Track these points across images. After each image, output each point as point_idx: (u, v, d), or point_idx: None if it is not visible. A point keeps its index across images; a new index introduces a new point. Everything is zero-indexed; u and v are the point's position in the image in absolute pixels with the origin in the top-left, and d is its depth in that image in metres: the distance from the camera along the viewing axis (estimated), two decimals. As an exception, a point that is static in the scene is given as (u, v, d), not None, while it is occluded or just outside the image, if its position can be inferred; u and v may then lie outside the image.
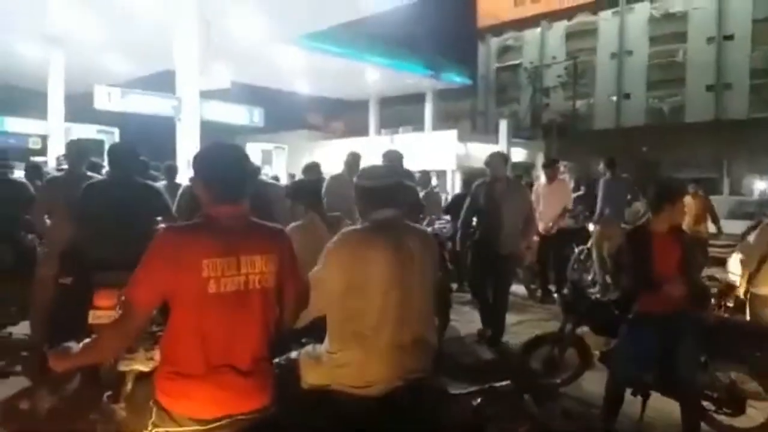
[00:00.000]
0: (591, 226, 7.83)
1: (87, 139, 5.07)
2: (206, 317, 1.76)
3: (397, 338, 2.24)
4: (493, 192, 5.40)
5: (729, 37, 26.99)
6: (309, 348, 2.45)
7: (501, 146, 18.85)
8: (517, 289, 7.49)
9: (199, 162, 1.94)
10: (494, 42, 33.61)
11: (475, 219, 5.65)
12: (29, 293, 4.37)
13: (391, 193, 2.38)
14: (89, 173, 4.51)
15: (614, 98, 29.94)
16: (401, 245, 2.29)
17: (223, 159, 1.93)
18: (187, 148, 11.40)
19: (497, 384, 2.09)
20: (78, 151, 4.49)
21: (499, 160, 5.64)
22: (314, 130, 22.13)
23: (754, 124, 23.80)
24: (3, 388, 3.90)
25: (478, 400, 2.03)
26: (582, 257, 7.83)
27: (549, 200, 7.45)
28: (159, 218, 3.90)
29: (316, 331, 2.59)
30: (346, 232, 2.36)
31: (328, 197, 4.29)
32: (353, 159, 5.95)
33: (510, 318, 6.19)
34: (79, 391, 1.93)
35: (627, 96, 29.80)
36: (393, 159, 5.55)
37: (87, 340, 1.83)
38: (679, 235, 3.50)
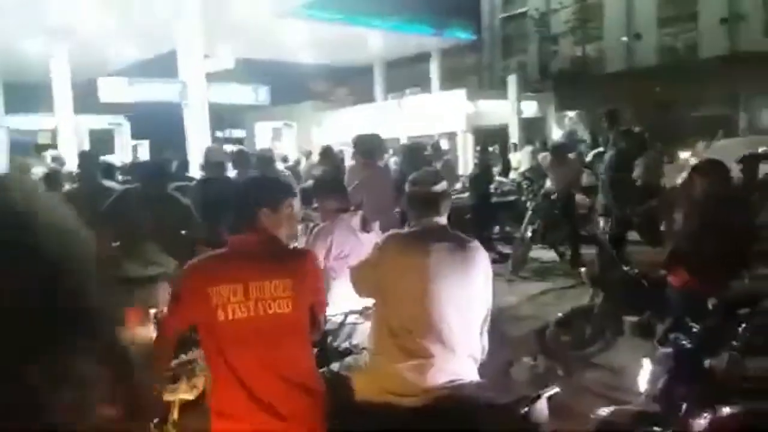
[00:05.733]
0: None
1: (91, 152, 5.05)
2: (226, 347, 1.78)
3: (432, 346, 2.24)
4: None
5: (741, -34, 25.89)
6: (350, 359, 2.49)
7: (510, 101, 18.52)
8: (544, 253, 7.45)
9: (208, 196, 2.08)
10: (498, -9, 32.63)
11: None
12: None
13: (437, 199, 2.40)
14: (105, 183, 4.54)
15: (625, 39, 29.05)
16: (442, 254, 2.30)
17: (235, 192, 2.12)
18: (196, 133, 11.33)
19: (545, 392, 2.07)
20: (91, 163, 4.53)
21: None
22: (320, 100, 21.82)
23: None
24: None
25: (525, 409, 2.02)
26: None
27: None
28: (183, 231, 3.91)
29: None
30: (391, 234, 2.46)
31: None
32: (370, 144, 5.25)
33: (536, 286, 6.18)
34: (126, 416, 1.94)
35: (638, 36, 28.89)
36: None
37: None
38: None
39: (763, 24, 25.56)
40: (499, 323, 5.19)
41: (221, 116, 13.41)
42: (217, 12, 12.02)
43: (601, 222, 7.32)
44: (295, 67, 19.78)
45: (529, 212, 7.17)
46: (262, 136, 18.97)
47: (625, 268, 4.16)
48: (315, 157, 11.91)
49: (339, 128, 17.94)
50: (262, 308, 1.81)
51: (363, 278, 2.41)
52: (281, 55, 18.66)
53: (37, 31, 14.05)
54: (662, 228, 5.70)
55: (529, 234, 7.00)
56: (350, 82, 23.61)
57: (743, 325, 3.05)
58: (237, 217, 1.96)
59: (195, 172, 7.79)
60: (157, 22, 12.95)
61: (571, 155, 8.67)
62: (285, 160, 10.29)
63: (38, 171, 6.92)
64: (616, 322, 4.02)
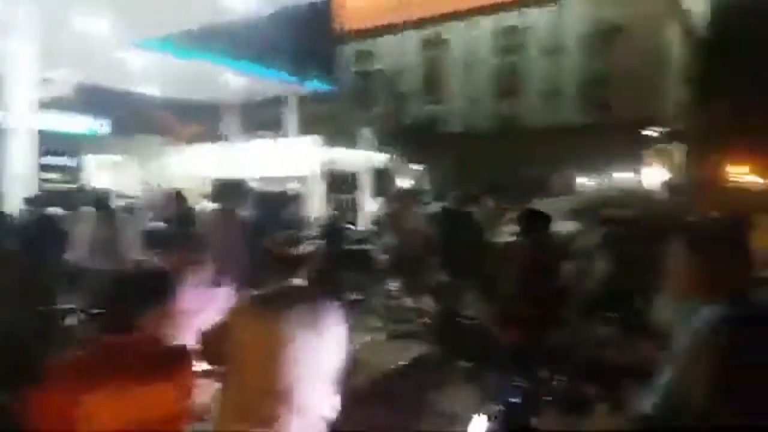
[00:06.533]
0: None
1: None
2: None
3: (284, 411, 2.24)
4: None
5: (561, 50, 30.27)
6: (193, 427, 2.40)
7: (362, 151, 19.25)
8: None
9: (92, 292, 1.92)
10: (354, 47, 34.19)
11: None
12: None
13: (297, 262, 2.41)
14: None
15: (464, 104, 32.03)
16: (295, 317, 2.30)
17: (111, 290, 1.86)
18: (17, 163, 10.13)
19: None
20: None
21: None
22: (166, 135, 20.77)
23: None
24: None
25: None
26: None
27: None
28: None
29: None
30: (245, 297, 2.46)
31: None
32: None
33: (372, 333, 6.31)
34: None
35: (474, 102, 32.08)
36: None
37: None
38: None
39: (575, 100, 29.94)
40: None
41: (54, 145, 12.11)
42: (55, 36, 11.09)
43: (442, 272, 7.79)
44: (140, 99, 18.76)
45: (382, 262, 7.49)
46: (100, 168, 17.53)
47: (463, 319, 4.50)
48: (159, 195, 11.31)
49: (186, 166, 17.22)
50: (143, 414, 1.72)
51: (214, 344, 2.33)
52: (125, 85, 17.62)
53: None
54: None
55: (392, 286, 7.28)
56: (200, 119, 22.87)
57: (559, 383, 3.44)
58: (112, 315, 1.80)
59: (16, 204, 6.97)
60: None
61: (415, 205, 9.17)
62: (124, 196, 9.63)
63: None
64: (453, 370, 4.31)
